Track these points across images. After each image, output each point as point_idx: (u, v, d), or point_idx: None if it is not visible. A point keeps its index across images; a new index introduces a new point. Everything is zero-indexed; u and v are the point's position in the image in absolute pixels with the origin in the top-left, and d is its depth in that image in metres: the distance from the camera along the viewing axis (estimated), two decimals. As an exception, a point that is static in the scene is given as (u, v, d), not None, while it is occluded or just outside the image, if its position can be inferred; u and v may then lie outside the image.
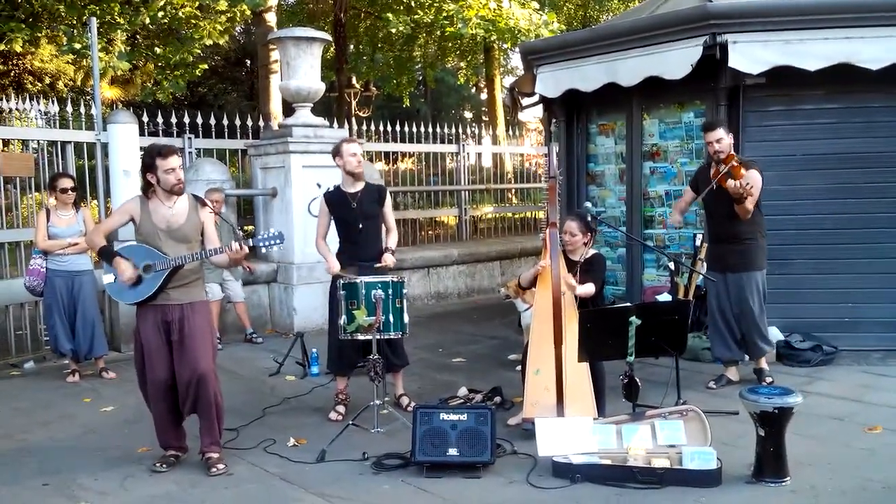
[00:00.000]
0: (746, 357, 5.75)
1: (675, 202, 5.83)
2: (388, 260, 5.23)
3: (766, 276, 5.62)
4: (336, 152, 5.29)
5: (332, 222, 5.35)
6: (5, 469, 4.37)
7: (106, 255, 4.28)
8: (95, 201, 7.68)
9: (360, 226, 5.22)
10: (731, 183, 5.16)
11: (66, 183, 6.25)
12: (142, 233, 4.28)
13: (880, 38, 6.01)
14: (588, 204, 5.95)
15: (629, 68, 6.76)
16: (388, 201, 5.43)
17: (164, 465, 4.29)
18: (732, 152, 5.38)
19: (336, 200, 5.30)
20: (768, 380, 5.53)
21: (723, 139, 5.38)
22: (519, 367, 5.62)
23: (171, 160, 4.18)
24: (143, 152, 4.30)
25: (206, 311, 4.44)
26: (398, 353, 5.32)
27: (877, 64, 5.96)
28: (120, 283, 4.24)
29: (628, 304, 5.30)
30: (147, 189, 4.32)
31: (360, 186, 5.29)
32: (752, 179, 5.24)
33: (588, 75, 7.13)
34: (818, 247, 6.47)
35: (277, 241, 4.29)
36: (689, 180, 6.14)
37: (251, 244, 4.31)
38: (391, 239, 5.40)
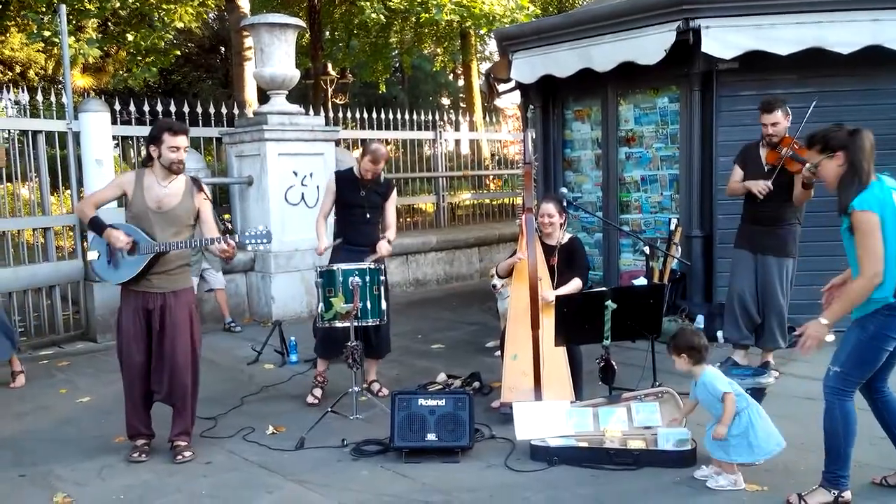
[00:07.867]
0: (753, 343, 5.56)
1: (731, 184, 5.49)
2: (384, 248, 5.26)
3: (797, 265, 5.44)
4: (365, 150, 5.32)
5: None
6: (-20, 462, 4.33)
7: (96, 227, 4.18)
8: (68, 191, 7.59)
9: (368, 215, 5.27)
10: (808, 167, 4.78)
11: None
12: (132, 210, 4.21)
13: (851, 23, 6.08)
14: (563, 189, 5.98)
15: (603, 54, 6.79)
16: (394, 198, 5.47)
17: (143, 455, 4.28)
18: (788, 135, 5.15)
19: (347, 181, 5.33)
20: (775, 373, 5.39)
21: (779, 123, 5.16)
22: (498, 353, 5.66)
23: (178, 139, 4.15)
24: (153, 124, 4.26)
25: (190, 300, 4.37)
26: (382, 341, 5.32)
27: (847, 48, 6.03)
28: (103, 260, 4.20)
29: (604, 288, 5.34)
30: (147, 162, 4.27)
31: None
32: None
33: (562, 61, 7.15)
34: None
35: (264, 241, 4.23)
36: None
37: (237, 241, 4.20)
38: (389, 234, 5.42)
